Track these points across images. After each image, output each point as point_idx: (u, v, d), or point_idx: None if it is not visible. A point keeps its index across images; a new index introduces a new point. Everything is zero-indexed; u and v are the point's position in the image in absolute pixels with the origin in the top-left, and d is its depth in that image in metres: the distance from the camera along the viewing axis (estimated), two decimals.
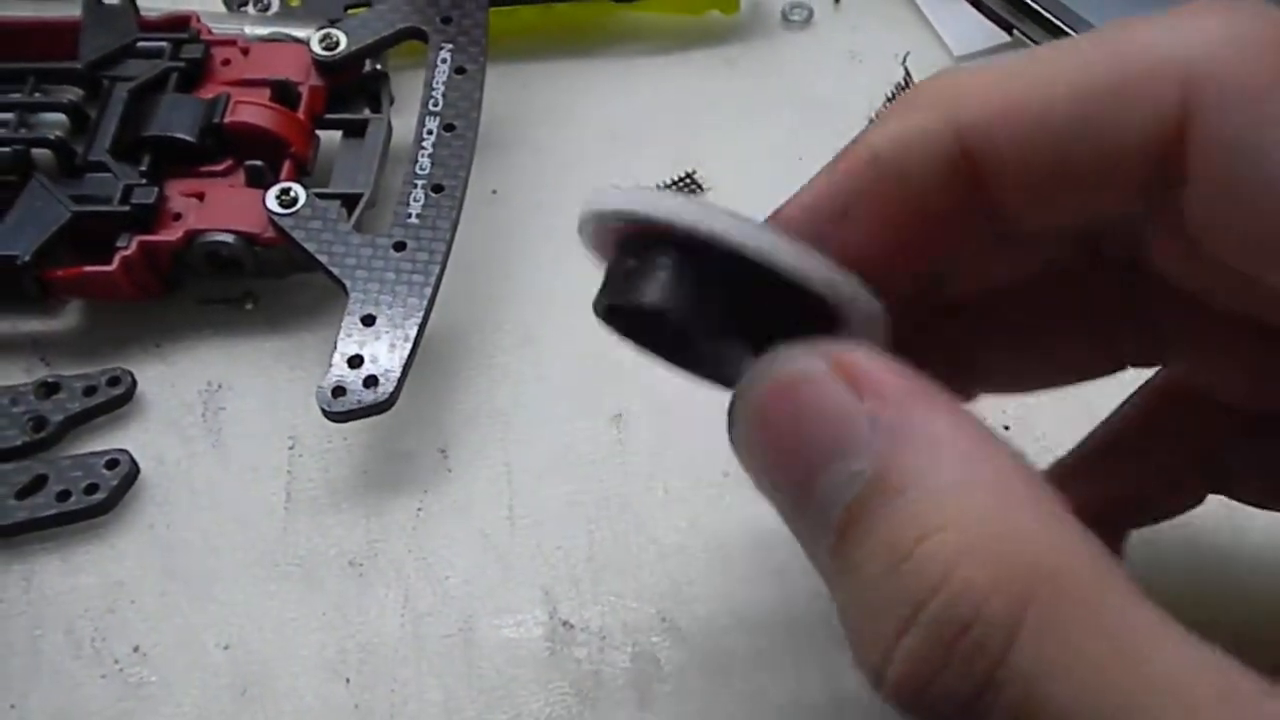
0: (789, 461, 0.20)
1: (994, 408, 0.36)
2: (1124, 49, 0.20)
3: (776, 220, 0.22)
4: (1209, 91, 0.19)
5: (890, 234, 0.21)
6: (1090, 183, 0.20)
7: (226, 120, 0.39)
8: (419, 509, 0.35)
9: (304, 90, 0.40)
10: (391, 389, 0.34)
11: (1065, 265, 0.25)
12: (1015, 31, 0.42)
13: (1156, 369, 0.28)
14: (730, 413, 0.21)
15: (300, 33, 0.42)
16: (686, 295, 0.21)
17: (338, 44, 0.41)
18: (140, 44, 0.41)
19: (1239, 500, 0.27)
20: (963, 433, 0.19)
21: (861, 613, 0.19)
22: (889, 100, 0.44)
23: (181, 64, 0.41)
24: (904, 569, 0.18)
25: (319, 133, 0.41)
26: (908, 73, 0.45)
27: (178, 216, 0.38)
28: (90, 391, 0.37)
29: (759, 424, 0.21)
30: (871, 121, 0.24)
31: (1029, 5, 0.41)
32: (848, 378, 0.20)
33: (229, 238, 0.37)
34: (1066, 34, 0.40)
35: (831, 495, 0.19)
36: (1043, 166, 0.20)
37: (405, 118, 0.40)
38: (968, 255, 0.23)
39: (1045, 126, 0.20)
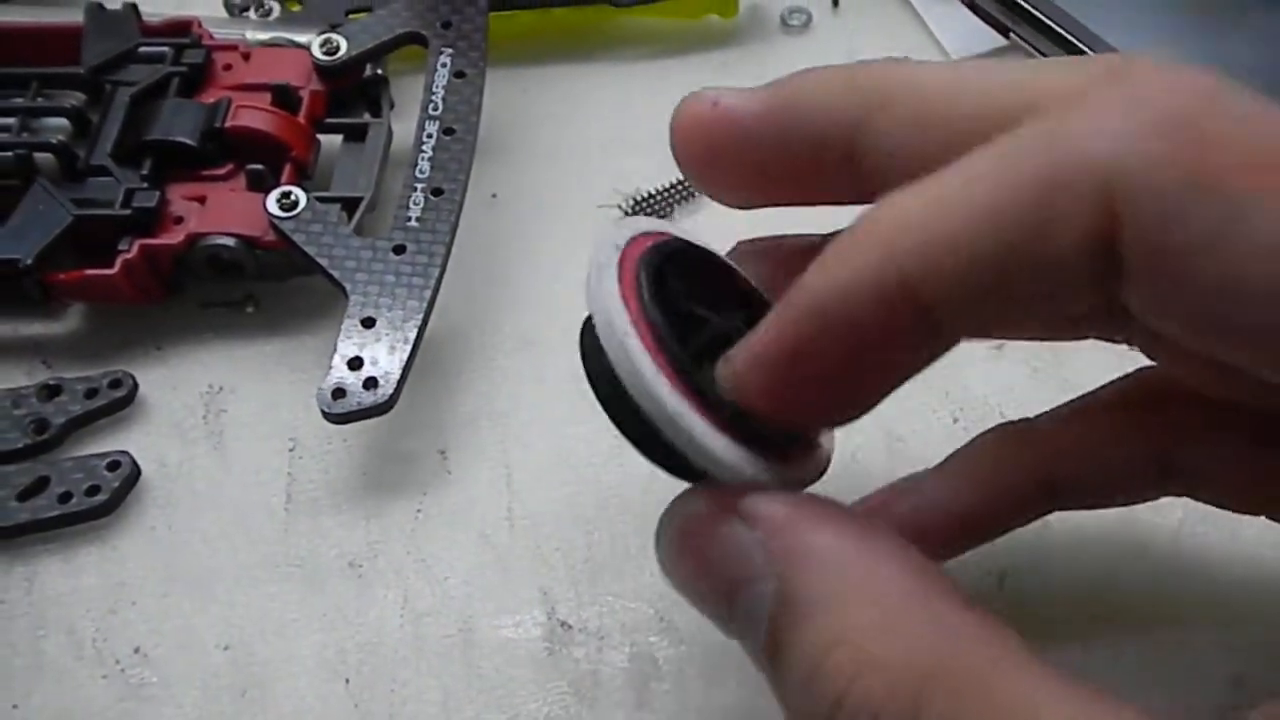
0: (706, 595, 0.23)
1: (992, 408, 0.37)
2: (1046, 155, 0.19)
3: (729, 367, 0.22)
4: (1128, 194, 0.19)
5: (848, 371, 0.21)
6: (1033, 297, 0.20)
7: (228, 124, 0.39)
8: (418, 510, 0.35)
9: (305, 95, 0.41)
10: (391, 391, 0.34)
11: None
12: (1012, 35, 0.42)
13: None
14: (656, 549, 0.24)
15: (301, 38, 0.43)
16: (612, 392, 0.23)
17: (338, 49, 0.41)
18: (142, 49, 0.41)
19: (1202, 501, 0.27)
20: (850, 547, 0.21)
21: None
22: None
23: (183, 69, 0.41)
24: (814, 683, 0.20)
25: (319, 137, 0.41)
26: None
27: (179, 220, 0.38)
28: (92, 394, 0.37)
29: (673, 562, 0.24)
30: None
31: (1024, 8, 0.41)
32: (738, 514, 0.22)
33: (230, 241, 0.38)
34: (1063, 37, 0.41)
35: (751, 616, 0.21)
36: (984, 292, 0.20)
37: (405, 122, 0.41)
38: None
39: (981, 257, 0.19)
